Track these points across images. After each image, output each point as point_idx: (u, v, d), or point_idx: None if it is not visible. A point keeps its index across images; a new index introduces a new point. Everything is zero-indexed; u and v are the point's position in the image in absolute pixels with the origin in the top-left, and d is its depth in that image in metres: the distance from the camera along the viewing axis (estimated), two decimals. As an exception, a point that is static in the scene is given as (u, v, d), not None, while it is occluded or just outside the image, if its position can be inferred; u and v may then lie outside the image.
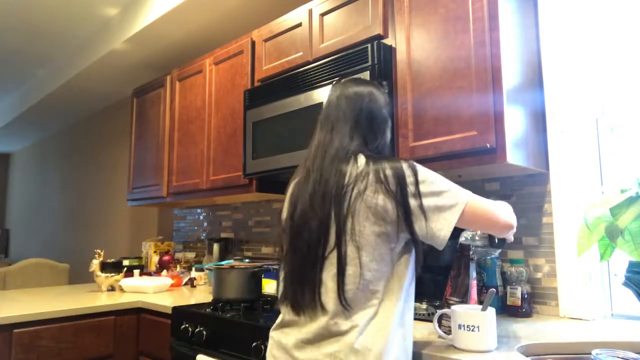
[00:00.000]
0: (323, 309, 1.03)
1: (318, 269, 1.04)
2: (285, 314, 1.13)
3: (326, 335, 1.02)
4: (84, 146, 5.12)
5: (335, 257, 1.03)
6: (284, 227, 1.16)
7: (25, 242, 6.57)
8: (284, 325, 1.12)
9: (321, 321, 1.03)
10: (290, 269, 1.10)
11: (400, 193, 1.02)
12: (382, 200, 1.02)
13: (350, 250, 1.02)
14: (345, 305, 1.01)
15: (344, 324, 1.01)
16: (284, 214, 1.19)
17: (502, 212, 1.10)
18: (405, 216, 1.02)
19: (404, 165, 1.06)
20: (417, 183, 1.04)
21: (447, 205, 1.03)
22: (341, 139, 1.14)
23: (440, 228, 1.02)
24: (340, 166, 1.08)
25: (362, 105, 1.18)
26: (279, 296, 1.15)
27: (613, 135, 1.62)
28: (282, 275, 1.14)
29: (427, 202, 1.03)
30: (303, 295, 1.05)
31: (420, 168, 1.07)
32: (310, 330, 1.04)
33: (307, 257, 1.06)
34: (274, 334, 1.15)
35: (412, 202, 1.02)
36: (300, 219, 1.09)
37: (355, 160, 1.09)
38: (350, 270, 1.02)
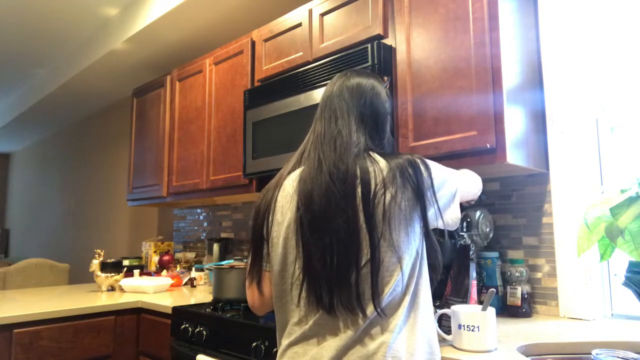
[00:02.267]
0: (364, 315, 0.96)
1: (353, 273, 0.96)
2: (308, 319, 1.01)
3: (360, 342, 0.97)
4: (84, 146, 5.12)
5: (371, 264, 0.96)
6: (296, 219, 1.04)
7: (25, 242, 6.57)
8: (311, 335, 1.01)
9: (358, 328, 0.97)
10: (316, 269, 0.99)
11: (420, 190, 1.02)
12: (411, 201, 1.00)
13: (389, 258, 0.97)
14: (381, 314, 0.97)
15: (379, 331, 0.97)
16: (291, 205, 1.06)
17: (473, 183, 1.29)
18: (423, 211, 1.02)
19: (419, 161, 1.05)
20: (431, 178, 1.04)
21: (452, 193, 1.11)
22: (348, 131, 1.08)
23: (452, 211, 1.11)
24: (359, 162, 1.03)
25: (365, 98, 1.14)
26: (297, 296, 1.03)
27: (613, 135, 1.62)
28: (295, 273, 1.03)
29: (440, 194, 1.06)
30: (340, 299, 0.96)
31: (430, 162, 1.09)
32: (346, 336, 0.97)
33: (338, 258, 0.97)
34: (299, 350, 1.01)
35: (429, 197, 1.03)
36: (321, 213, 0.99)
37: (372, 158, 1.04)
38: (391, 279, 0.97)
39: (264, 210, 1.12)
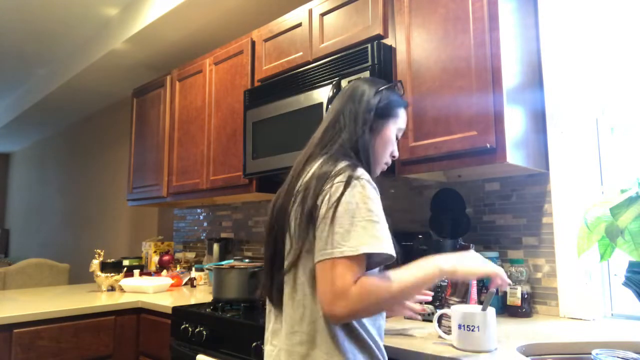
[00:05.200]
0: (281, 312, 1.03)
1: (273, 269, 1.06)
2: (271, 313, 1.10)
3: (290, 346, 0.99)
4: (84, 146, 5.11)
5: (286, 263, 1.02)
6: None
7: (25, 242, 6.57)
8: (275, 330, 1.07)
9: (284, 326, 1.01)
10: (265, 264, 1.11)
11: (313, 203, 0.95)
12: (306, 214, 0.97)
13: (294, 258, 0.99)
14: (291, 315, 1.00)
15: (298, 335, 0.98)
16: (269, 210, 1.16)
17: (345, 300, 0.88)
18: (307, 223, 0.96)
19: (338, 177, 0.95)
20: (339, 197, 0.92)
21: (348, 226, 0.91)
22: (320, 135, 1.12)
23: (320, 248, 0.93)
24: (307, 167, 1.07)
25: (351, 101, 1.13)
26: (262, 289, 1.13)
27: (613, 135, 1.62)
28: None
29: (340, 220, 0.92)
30: (272, 293, 1.06)
31: (360, 188, 0.94)
32: (281, 328, 1.03)
33: (273, 258, 1.06)
34: (270, 346, 1.07)
35: (321, 215, 0.94)
36: (274, 214, 1.09)
37: (315, 163, 1.06)
38: (299, 278, 0.98)
39: None
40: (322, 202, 0.94)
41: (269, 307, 1.10)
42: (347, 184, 0.93)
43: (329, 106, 1.20)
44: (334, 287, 0.87)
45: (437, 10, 1.62)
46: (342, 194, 0.92)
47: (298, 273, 0.99)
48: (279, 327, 1.04)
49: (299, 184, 1.03)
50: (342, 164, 0.98)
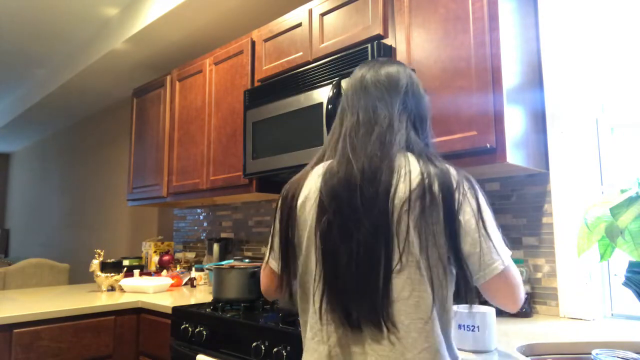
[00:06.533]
0: (389, 331, 0.87)
1: (382, 283, 0.86)
2: (330, 336, 0.91)
3: None
4: (84, 146, 5.11)
5: (402, 278, 0.87)
6: (319, 221, 0.92)
7: (25, 242, 6.57)
8: (336, 355, 0.91)
9: (392, 347, 0.86)
10: (339, 279, 0.89)
11: (450, 213, 0.87)
12: (441, 216, 0.87)
13: (417, 275, 0.86)
14: (392, 329, 0.86)
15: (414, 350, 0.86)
16: (310, 202, 0.96)
17: (522, 290, 0.94)
18: (454, 240, 0.87)
19: (465, 182, 0.89)
20: (478, 203, 0.88)
21: (494, 250, 0.88)
22: (389, 122, 0.94)
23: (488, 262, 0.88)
24: (397, 160, 0.90)
25: (406, 87, 1.00)
26: (319, 309, 0.92)
27: (613, 135, 1.62)
28: (316, 281, 0.93)
29: (490, 233, 0.88)
30: (361, 311, 0.87)
31: (480, 191, 0.91)
32: (383, 356, 0.86)
33: (362, 266, 0.87)
34: None
35: (470, 223, 0.87)
36: (348, 215, 0.88)
37: (407, 159, 0.91)
38: (417, 295, 0.86)
39: (287, 209, 1.01)
40: (463, 214, 0.87)
41: (326, 327, 0.92)
42: (474, 189, 0.90)
43: (371, 79, 1.02)
44: (517, 291, 0.91)
45: (437, 10, 1.62)
46: (478, 201, 0.89)
47: (422, 292, 0.86)
48: (345, 343, 0.90)
49: (392, 187, 0.87)
50: (451, 167, 0.91)
